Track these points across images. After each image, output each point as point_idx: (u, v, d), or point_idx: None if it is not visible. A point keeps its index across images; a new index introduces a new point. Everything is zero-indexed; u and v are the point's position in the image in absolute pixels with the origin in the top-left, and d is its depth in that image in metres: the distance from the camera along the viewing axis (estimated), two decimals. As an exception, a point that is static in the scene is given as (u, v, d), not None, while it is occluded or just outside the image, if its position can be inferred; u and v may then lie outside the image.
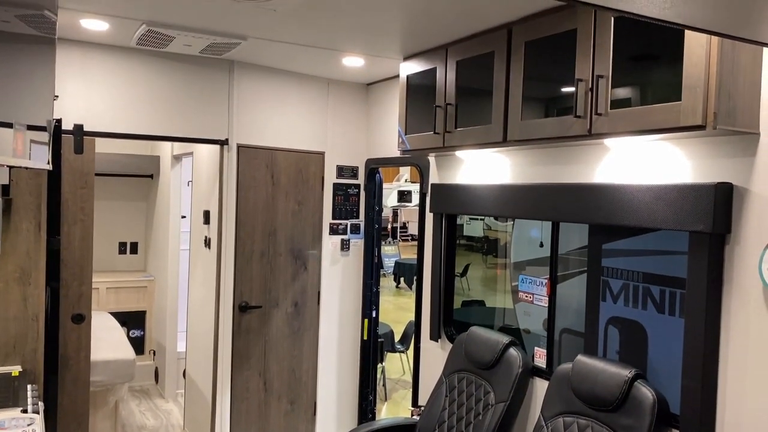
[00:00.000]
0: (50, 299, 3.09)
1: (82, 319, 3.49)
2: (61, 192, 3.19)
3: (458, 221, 3.65)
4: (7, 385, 2.67)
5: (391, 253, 14.41)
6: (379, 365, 5.56)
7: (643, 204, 2.26)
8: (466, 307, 3.91)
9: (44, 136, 2.30)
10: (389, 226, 18.99)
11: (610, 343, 2.69)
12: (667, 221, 2.17)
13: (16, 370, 2.83)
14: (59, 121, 3.09)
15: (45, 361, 2.98)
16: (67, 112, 3.39)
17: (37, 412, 2.35)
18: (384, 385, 6.07)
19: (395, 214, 19.28)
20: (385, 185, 13.76)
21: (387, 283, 13.58)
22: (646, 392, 2.24)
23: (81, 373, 3.52)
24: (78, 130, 3.36)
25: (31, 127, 2.07)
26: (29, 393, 2.52)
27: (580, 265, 2.84)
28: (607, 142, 2.44)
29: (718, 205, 2.05)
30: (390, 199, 13.41)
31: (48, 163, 2.27)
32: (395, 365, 6.71)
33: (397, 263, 13.22)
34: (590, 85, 2.27)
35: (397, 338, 6.25)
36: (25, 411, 2.36)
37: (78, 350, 3.50)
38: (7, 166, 1.91)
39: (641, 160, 2.39)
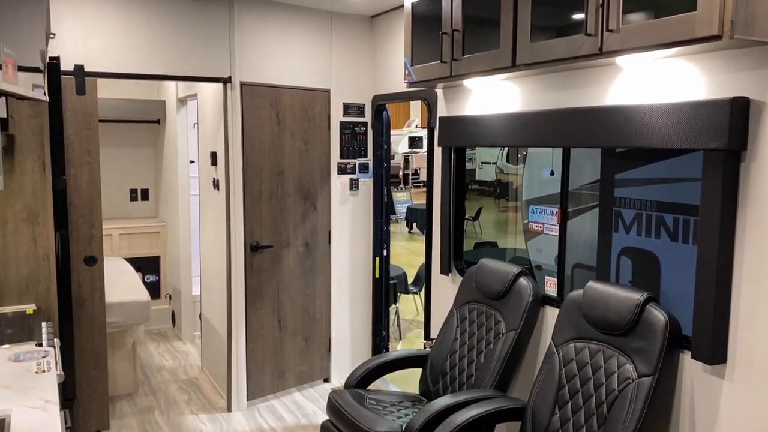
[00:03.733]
0: (60, 242, 3.11)
1: (94, 261, 3.51)
2: (63, 131, 3.16)
3: (471, 166, 3.58)
4: (22, 322, 2.71)
5: (403, 199, 14.40)
6: (393, 306, 5.60)
7: (656, 124, 2.19)
8: (479, 248, 3.88)
9: (38, 71, 2.25)
10: (401, 173, 18.92)
11: (623, 273, 2.67)
12: (681, 140, 2.10)
13: (30, 308, 2.87)
14: (57, 58, 3.04)
15: (58, 301, 3.02)
16: (67, 53, 3.32)
17: (52, 347, 2.39)
18: (398, 325, 6.13)
19: (407, 160, 19.17)
20: (395, 131, 13.62)
21: (400, 228, 13.60)
22: (657, 315, 2.22)
23: (96, 313, 3.57)
24: (79, 70, 3.31)
25: (23, 69, 2.02)
26: (44, 329, 2.55)
27: (592, 200, 2.79)
28: (620, 61, 2.35)
29: (734, 121, 1.97)
30: (401, 146, 13.28)
31: (44, 94, 2.22)
32: (409, 306, 6.76)
33: (409, 209, 13.22)
34: (601, 1, 2.17)
35: (410, 281, 6.27)
36: (39, 345, 2.39)
37: (92, 291, 3.54)
38: (1, 94, 1.86)
39: (654, 80, 2.30)
